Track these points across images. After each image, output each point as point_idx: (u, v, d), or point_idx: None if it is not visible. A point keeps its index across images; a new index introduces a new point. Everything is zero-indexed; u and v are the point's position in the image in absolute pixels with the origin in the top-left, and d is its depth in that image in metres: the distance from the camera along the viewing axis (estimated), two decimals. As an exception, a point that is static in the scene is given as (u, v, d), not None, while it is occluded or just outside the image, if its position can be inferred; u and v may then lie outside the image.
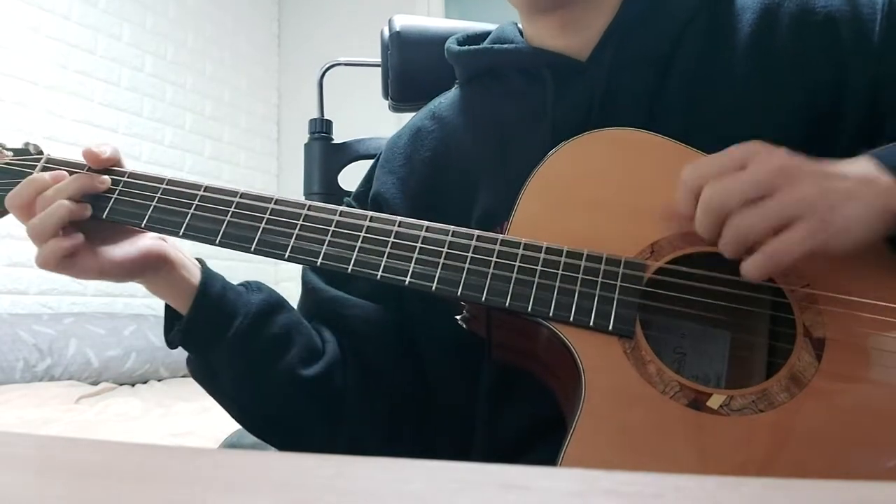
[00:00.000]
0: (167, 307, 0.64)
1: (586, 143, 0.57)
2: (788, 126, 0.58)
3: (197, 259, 0.65)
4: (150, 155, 2.89)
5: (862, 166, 0.48)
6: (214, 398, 0.67)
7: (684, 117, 0.59)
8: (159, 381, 2.41)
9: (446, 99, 0.75)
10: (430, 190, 0.70)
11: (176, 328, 0.63)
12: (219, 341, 0.62)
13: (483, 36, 0.76)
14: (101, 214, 0.59)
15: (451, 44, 0.75)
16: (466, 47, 0.73)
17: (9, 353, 2.00)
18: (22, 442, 0.27)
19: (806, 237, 0.44)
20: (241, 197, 0.58)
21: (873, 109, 0.57)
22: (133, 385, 2.32)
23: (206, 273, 0.63)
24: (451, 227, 0.55)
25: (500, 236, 0.54)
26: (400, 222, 0.56)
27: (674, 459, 0.47)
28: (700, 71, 0.61)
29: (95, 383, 2.19)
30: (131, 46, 2.84)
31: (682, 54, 0.62)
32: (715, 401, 0.47)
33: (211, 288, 0.62)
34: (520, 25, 0.74)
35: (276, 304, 0.65)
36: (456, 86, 0.76)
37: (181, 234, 0.58)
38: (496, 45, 0.70)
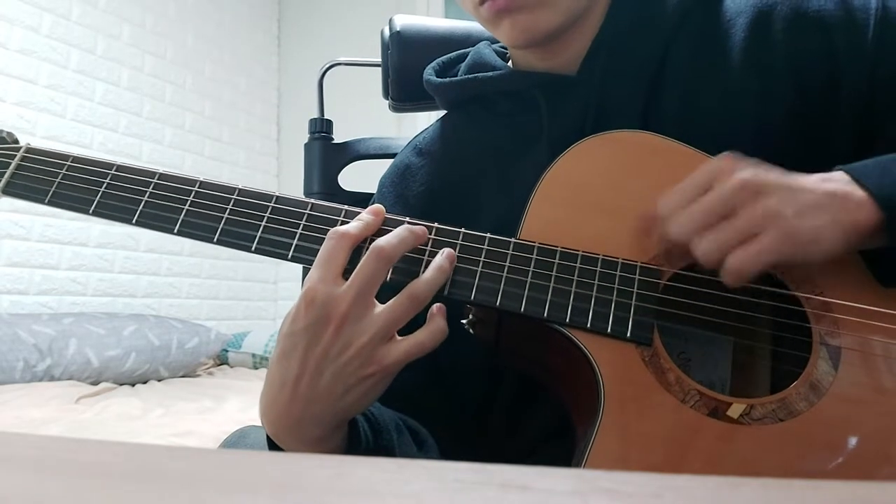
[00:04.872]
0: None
1: (593, 147, 0.56)
2: (783, 131, 0.57)
3: None
4: (149, 155, 2.89)
5: (834, 180, 0.48)
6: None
7: (679, 123, 0.59)
8: (159, 381, 2.41)
9: (428, 133, 0.75)
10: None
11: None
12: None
13: (458, 59, 0.75)
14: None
15: (429, 76, 0.74)
16: (448, 79, 0.72)
17: (9, 353, 2.00)
18: (22, 442, 0.26)
19: (770, 247, 0.45)
20: (237, 195, 0.57)
21: (870, 114, 0.56)
22: (133, 385, 2.32)
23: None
24: (462, 230, 0.53)
25: (513, 240, 0.53)
26: (408, 223, 0.54)
27: (695, 469, 0.46)
28: (693, 76, 0.60)
29: (95, 383, 2.19)
30: (131, 46, 2.84)
31: (673, 60, 0.61)
32: (735, 410, 0.47)
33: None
34: (495, 46, 0.74)
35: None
36: (437, 121, 0.75)
37: (176, 230, 0.56)
38: (480, 74, 0.69)
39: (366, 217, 0.53)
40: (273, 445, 0.53)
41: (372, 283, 0.49)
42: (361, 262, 0.49)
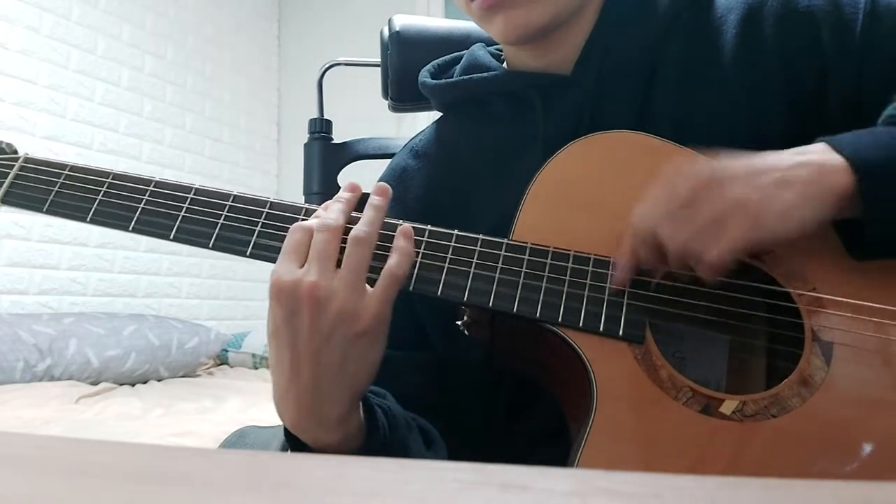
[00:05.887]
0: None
1: (586, 146, 0.57)
2: (777, 127, 0.57)
3: None
4: (150, 155, 2.89)
5: (810, 151, 0.48)
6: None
7: (674, 121, 0.59)
8: (159, 381, 2.41)
9: (424, 135, 0.75)
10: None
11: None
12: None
13: (453, 61, 0.75)
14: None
15: (424, 78, 0.74)
16: (444, 81, 0.72)
17: (9, 353, 2.00)
18: (22, 442, 0.27)
19: (740, 232, 0.46)
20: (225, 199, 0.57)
21: (858, 107, 0.56)
22: (133, 385, 2.32)
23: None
24: (455, 232, 0.54)
25: (505, 241, 0.53)
26: (404, 225, 0.54)
27: (689, 466, 0.46)
28: (686, 73, 0.61)
29: (95, 383, 2.19)
30: (131, 46, 2.84)
31: (667, 57, 0.61)
32: (728, 406, 0.47)
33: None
34: (490, 48, 0.74)
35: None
36: (433, 123, 0.75)
37: (171, 237, 0.56)
38: (476, 76, 0.69)
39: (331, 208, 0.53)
40: (295, 445, 0.53)
41: (326, 255, 0.49)
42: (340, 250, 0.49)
